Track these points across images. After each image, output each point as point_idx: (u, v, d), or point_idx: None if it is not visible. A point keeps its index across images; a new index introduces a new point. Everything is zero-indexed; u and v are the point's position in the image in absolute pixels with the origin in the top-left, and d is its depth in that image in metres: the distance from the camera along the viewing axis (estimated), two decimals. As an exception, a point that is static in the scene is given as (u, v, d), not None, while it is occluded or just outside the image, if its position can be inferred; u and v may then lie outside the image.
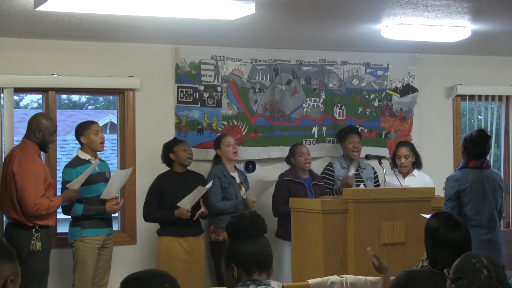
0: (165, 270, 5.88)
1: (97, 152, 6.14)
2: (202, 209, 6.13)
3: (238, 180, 6.53)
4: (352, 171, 6.78)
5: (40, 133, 5.71)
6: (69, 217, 6.02)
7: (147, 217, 6.28)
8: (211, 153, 6.73)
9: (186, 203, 6.05)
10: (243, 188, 6.50)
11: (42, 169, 5.68)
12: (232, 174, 6.52)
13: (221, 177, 6.40)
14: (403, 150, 6.87)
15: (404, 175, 6.83)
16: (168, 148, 6.29)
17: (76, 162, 5.98)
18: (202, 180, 6.34)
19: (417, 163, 6.91)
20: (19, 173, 5.59)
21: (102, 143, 6.07)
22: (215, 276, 6.55)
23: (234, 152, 6.53)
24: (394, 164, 6.90)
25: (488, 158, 5.72)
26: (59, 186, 6.19)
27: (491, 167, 5.70)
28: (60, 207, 5.98)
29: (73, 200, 5.88)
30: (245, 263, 2.92)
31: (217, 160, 6.58)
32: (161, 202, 6.20)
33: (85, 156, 6.02)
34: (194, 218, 6.12)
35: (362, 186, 6.72)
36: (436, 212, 3.71)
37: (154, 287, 2.44)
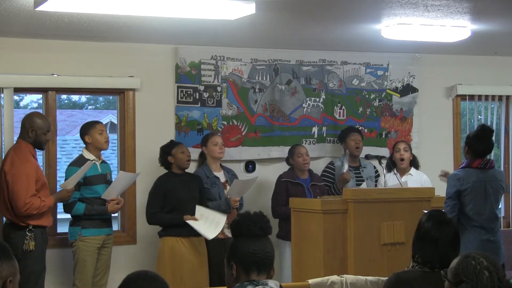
0: (169, 271, 5.84)
1: (101, 152, 6.14)
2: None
3: (223, 179, 6.48)
4: (345, 167, 6.79)
5: (33, 132, 5.69)
6: (69, 216, 6.02)
7: (152, 220, 6.18)
8: (211, 153, 6.72)
9: (201, 215, 6.03)
10: (228, 187, 6.43)
11: (33, 169, 5.63)
12: (216, 173, 6.46)
13: (202, 178, 6.36)
14: (401, 145, 6.97)
15: (402, 174, 6.84)
16: (166, 152, 6.26)
17: (80, 161, 5.96)
18: (200, 181, 6.33)
19: (414, 163, 6.96)
20: (10, 172, 5.58)
21: (107, 142, 6.07)
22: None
23: (220, 152, 6.49)
24: (392, 164, 6.92)
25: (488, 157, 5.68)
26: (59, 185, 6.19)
27: (495, 167, 5.64)
28: (62, 205, 6.00)
29: (67, 200, 5.87)
30: (244, 262, 2.92)
31: (202, 159, 6.55)
32: (163, 203, 6.18)
33: (89, 156, 6.02)
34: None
35: (364, 185, 6.73)
36: (432, 209, 3.71)
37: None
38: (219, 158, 6.51)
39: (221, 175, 6.50)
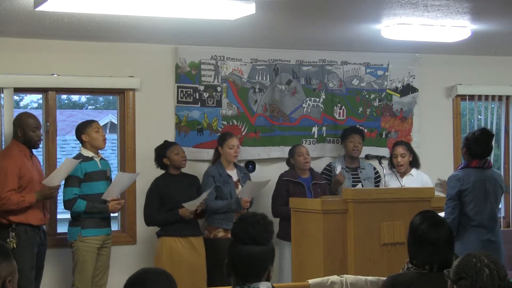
0: (168, 271, 5.81)
1: (101, 153, 6.14)
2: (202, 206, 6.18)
3: (235, 178, 6.51)
4: (338, 169, 6.81)
5: (22, 131, 5.71)
6: (69, 217, 6.02)
7: (149, 221, 6.25)
8: (211, 153, 6.70)
9: (191, 205, 6.06)
10: (239, 187, 6.47)
11: (15, 165, 5.61)
12: (229, 172, 6.48)
13: (216, 176, 6.38)
14: (399, 149, 6.92)
15: (402, 174, 6.84)
16: (160, 154, 6.28)
17: (79, 158, 5.95)
18: (198, 182, 6.35)
19: (414, 163, 6.94)
20: None
21: (104, 140, 6.07)
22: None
23: (235, 155, 6.51)
24: (391, 164, 6.93)
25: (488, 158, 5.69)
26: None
27: (493, 167, 5.66)
28: (62, 202, 5.99)
29: (51, 197, 5.87)
30: (230, 264, 2.92)
31: (216, 155, 6.55)
32: (161, 204, 6.19)
33: (88, 153, 6.02)
34: (196, 213, 6.18)
35: (359, 186, 6.73)
36: (421, 211, 3.70)
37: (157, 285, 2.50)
38: (233, 161, 6.54)
39: (233, 174, 6.53)
